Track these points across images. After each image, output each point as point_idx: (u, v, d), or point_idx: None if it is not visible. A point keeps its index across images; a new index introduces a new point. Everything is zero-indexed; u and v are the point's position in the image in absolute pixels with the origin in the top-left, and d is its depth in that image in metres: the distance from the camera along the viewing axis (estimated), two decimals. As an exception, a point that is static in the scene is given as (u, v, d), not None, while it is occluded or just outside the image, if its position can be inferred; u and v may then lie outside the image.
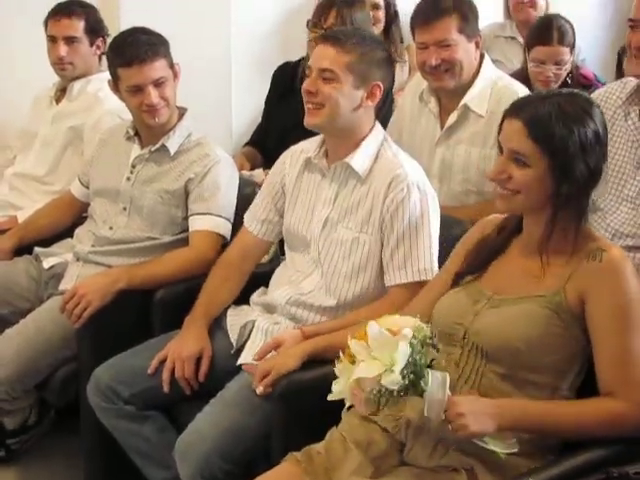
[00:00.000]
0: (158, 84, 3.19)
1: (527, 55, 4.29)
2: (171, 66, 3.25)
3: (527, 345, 2.20)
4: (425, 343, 2.08)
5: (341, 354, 2.14)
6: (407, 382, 2.03)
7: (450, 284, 2.45)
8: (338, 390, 2.13)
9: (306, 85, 2.77)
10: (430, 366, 2.10)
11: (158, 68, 3.20)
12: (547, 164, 2.21)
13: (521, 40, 5.18)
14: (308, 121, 2.79)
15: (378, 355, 2.05)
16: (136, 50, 3.21)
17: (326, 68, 2.73)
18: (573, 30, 4.25)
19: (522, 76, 4.30)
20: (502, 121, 2.31)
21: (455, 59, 3.29)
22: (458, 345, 2.32)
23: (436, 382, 2.07)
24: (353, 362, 2.09)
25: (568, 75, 4.24)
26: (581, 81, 4.26)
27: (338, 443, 2.34)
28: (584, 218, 2.28)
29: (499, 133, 2.32)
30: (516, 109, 2.28)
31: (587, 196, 2.27)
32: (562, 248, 2.27)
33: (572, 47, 4.23)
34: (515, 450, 2.14)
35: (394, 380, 2.02)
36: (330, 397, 2.14)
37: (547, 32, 4.19)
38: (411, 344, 2.05)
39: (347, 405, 2.14)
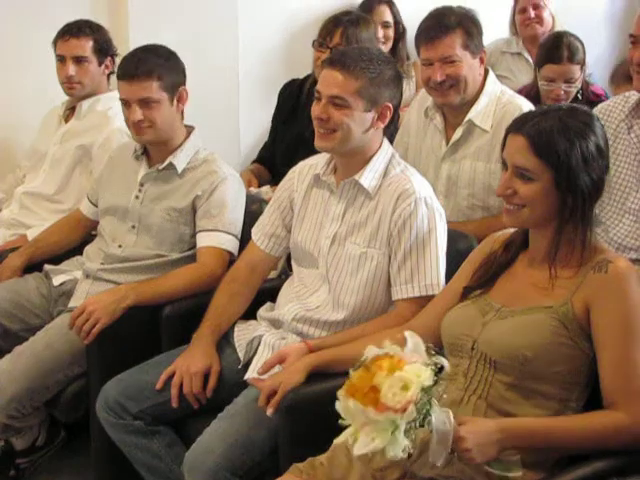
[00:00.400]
0: (144, 103, 3.21)
1: (537, 73, 4.29)
2: (168, 89, 3.24)
3: (534, 354, 2.22)
4: (432, 394, 2.06)
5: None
6: (411, 452, 2.04)
7: (458, 298, 2.47)
8: (344, 435, 2.09)
9: (317, 112, 2.77)
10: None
11: (145, 88, 3.20)
12: (551, 178, 2.25)
13: (527, 56, 5.19)
14: (320, 145, 2.81)
15: (382, 425, 2.01)
16: (129, 65, 3.26)
17: (336, 95, 2.74)
18: (583, 47, 4.24)
19: (532, 92, 4.32)
20: (505, 137, 2.34)
21: (460, 75, 3.30)
22: (466, 356, 2.34)
23: (442, 421, 2.06)
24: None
25: (578, 92, 4.23)
26: (591, 98, 4.24)
27: (341, 454, 2.35)
28: (590, 230, 2.30)
29: (502, 149, 2.35)
30: (518, 125, 2.32)
31: (591, 208, 2.30)
32: (569, 260, 2.30)
33: (582, 64, 4.22)
34: (519, 474, 2.15)
35: (399, 452, 2.00)
36: (336, 441, 2.11)
37: (557, 50, 4.18)
38: (419, 411, 2.02)
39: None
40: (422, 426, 2.03)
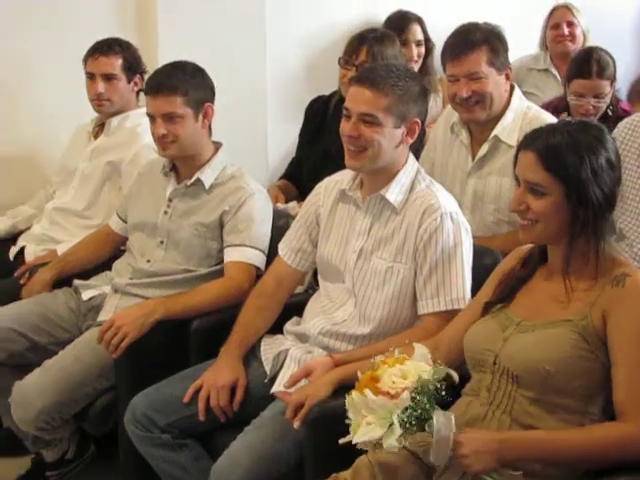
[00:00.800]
0: (168, 118, 3.24)
1: (567, 88, 4.29)
2: (193, 105, 3.27)
3: (556, 368, 2.23)
4: (431, 392, 2.11)
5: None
6: (406, 444, 2.10)
7: (481, 313, 2.48)
8: (348, 437, 2.18)
9: (347, 130, 2.79)
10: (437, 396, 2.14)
11: (169, 103, 3.24)
12: (562, 192, 2.28)
13: (555, 72, 5.19)
14: (350, 164, 2.83)
15: (379, 414, 2.10)
16: (154, 81, 3.32)
17: (366, 112, 2.75)
18: (614, 63, 4.24)
19: (560, 106, 4.32)
20: (517, 154, 2.37)
21: (485, 91, 3.32)
22: (489, 371, 2.35)
23: (442, 423, 2.09)
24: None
25: (608, 107, 4.23)
26: (621, 114, 4.23)
27: (365, 469, 2.35)
28: (603, 241, 2.31)
29: (515, 166, 2.37)
30: (528, 141, 2.36)
31: (604, 220, 2.32)
32: (585, 273, 2.32)
33: (612, 80, 4.21)
34: None
35: (392, 445, 2.07)
36: (341, 441, 2.21)
37: (586, 65, 4.18)
38: (414, 399, 2.09)
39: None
40: (423, 429, 2.08)
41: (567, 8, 5.23)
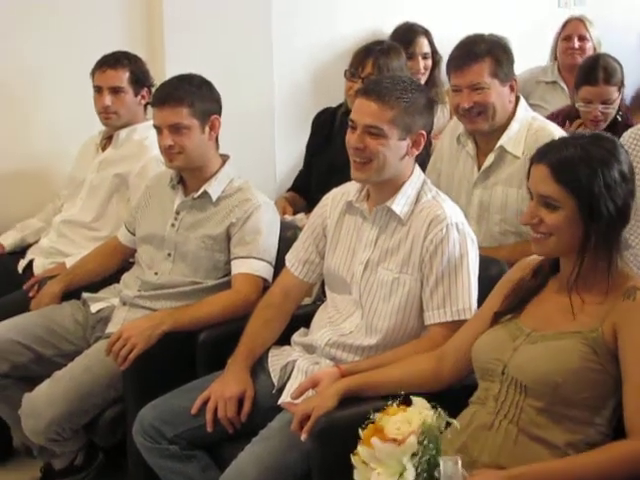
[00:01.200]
0: (174, 130, 3.26)
1: (575, 95, 4.30)
2: (199, 116, 3.29)
3: (565, 379, 2.23)
4: (435, 437, 2.10)
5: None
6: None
7: (489, 323, 2.48)
8: None
9: (353, 142, 2.80)
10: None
11: (176, 114, 3.26)
12: (575, 206, 2.27)
13: (562, 84, 5.20)
14: (356, 176, 2.84)
15: (389, 464, 2.10)
16: (161, 92, 3.35)
17: (371, 124, 2.77)
18: (622, 69, 4.25)
19: (572, 114, 4.33)
20: (530, 167, 2.36)
21: (488, 102, 3.32)
22: (497, 380, 2.35)
23: (450, 468, 2.06)
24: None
25: (618, 114, 4.23)
26: (631, 121, 4.25)
27: None
28: (617, 256, 2.31)
29: (527, 179, 2.37)
30: (541, 154, 2.36)
31: (618, 234, 2.31)
32: (596, 287, 2.31)
33: (620, 86, 4.22)
34: None
35: None
36: None
37: (593, 72, 4.19)
38: (415, 455, 2.08)
39: None
40: (432, 477, 2.07)
41: (580, 21, 5.24)
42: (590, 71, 4.22)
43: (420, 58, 4.89)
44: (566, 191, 2.27)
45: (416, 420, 2.12)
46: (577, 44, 5.16)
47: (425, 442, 2.08)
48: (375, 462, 2.12)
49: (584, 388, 2.24)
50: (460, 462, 2.07)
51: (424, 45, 4.98)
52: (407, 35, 4.95)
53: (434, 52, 5.01)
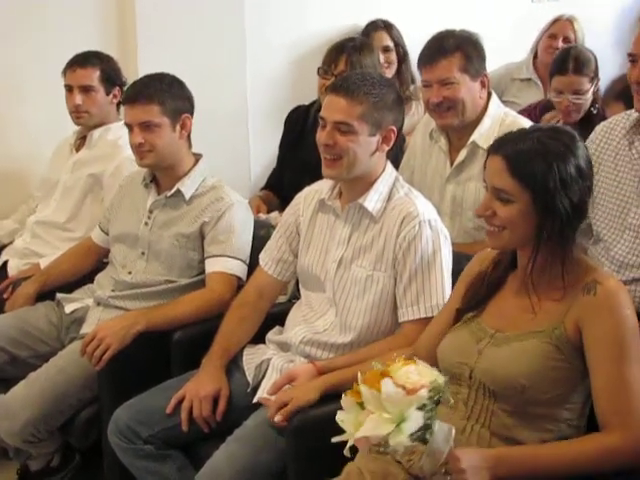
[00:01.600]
0: (145, 127, 3.27)
1: (549, 86, 4.31)
2: (170, 115, 3.30)
3: (531, 381, 2.22)
4: (438, 401, 2.06)
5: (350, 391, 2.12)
6: (414, 442, 2.02)
7: (452, 320, 2.48)
8: (345, 434, 2.09)
9: (323, 138, 2.80)
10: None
11: (146, 112, 3.27)
12: (529, 200, 2.24)
13: (538, 82, 5.20)
14: (327, 173, 2.84)
15: (390, 410, 2.01)
16: (132, 90, 3.36)
17: (341, 121, 2.77)
18: (596, 60, 4.25)
19: (546, 106, 4.34)
20: (486, 158, 2.35)
21: (457, 97, 3.34)
22: (465, 384, 2.34)
23: (442, 435, 2.05)
24: (361, 403, 2.06)
25: (593, 106, 4.24)
26: (605, 113, 4.24)
27: (355, 477, 2.35)
28: (571, 251, 2.28)
29: (484, 171, 2.35)
30: (498, 146, 2.32)
31: (573, 230, 2.28)
32: (553, 282, 2.29)
33: (593, 77, 4.22)
34: None
35: (402, 442, 2.00)
36: (335, 439, 2.11)
37: (564, 62, 4.20)
38: (425, 406, 2.02)
39: (349, 445, 2.09)
40: (424, 440, 2.02)
41: (569, 22, 5.22)
42: (561, 61, 4.24)
43: (380, 51, 4.86)
44: (520, 185, 2.23)
45: (428, 375, 2.06)
46: (560, 44, 5.14)
47: (435, 398, 2.03)
48: (374, 406, 2.03)
49: (551, 386, 2.23)
50: (453, 432, 2.06)
51: (383, 39, 5.00)
52: (366, 29, 5.00)
53: (398, 46, 5.02)
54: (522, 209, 2.25)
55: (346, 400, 2.11)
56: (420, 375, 2.07)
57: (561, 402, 2.25)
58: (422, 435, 2.01)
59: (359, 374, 2.13)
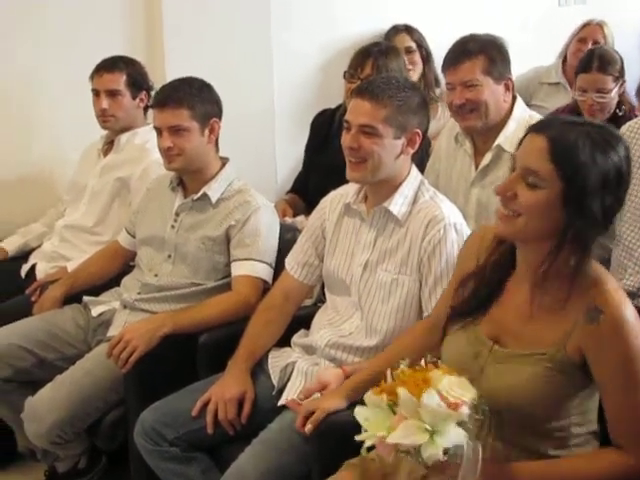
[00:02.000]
0: (174, 131, 3.29)
1: (575, 87, 4.32)
2: (199, 119, 3.31)
3: (535, 405, 2.16)
4: (478, 420, 2.04)
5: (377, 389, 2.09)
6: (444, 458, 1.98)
7: (450, 319, 2.36)
8: (368, 434, 2.05)
9: (348, 141, 2.81)
10: None
11: (176, 116, 3.28)
12: (560, 190, 2.07)
13: (567, 86, 5.17)
14: (351, 176, 2.85)
15: (427, 421, 1.97)
16: (161, 95, 3.37)
17: (365, 124, 2.78)
18: (621, 61, 4.25)
19: (574, 110, 4.33)
20: (523, 137, 2.17)
21: (480, 99, 3.33)
22: None
23: (471, 453, 2.02)
24: (392, 403, 2.03)
25: (620, 107, 4.23)
26: (633, 116, 4.19)
27: (369, 461, 2.34)
28: (586, 260, 2.13)
29: (517, 148, 2.18)
30: (542, 126, 2.16)
31: (595, 239, 2.13)
32: (555, 289, 2.15)
33: (618, 77, 4.21)
34: None
35: (434, 456, 1.96)
36: (358, 438, 2.07)
37: (588, 61, 4.23)
38: (464, 423, 1.99)
39: (367, 446, 2.06)
40: (456, 457, 2.00)
41: (599, 26, 5.22)
42: (586, 60, 4.26)
43: (403, 53, 4.86)
44: (557, 172, 2.06)
45: (469, 392, 2.02)
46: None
47: (477, 417, 2.00)
48: (409, 412, 1.97)
49: (556, 405, 2.18)
50: (481, 450, 2.02)
51: (405, 40, 5.01)
52: (388, 33, 5.02)
53: (421, 47, 5.03)
54: (548, 198, 2.07)
55: (372, 398, 2.07)
56: (463, 389, 2.03)
57: (568, 413, 2.21)
58: (455, 452, 1.99)
59: (388, 372, 2.10)
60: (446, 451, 1.98)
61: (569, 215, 2.08)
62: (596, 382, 2.16)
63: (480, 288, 2.29)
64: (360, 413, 2.07)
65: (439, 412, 1.97)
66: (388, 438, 1.98)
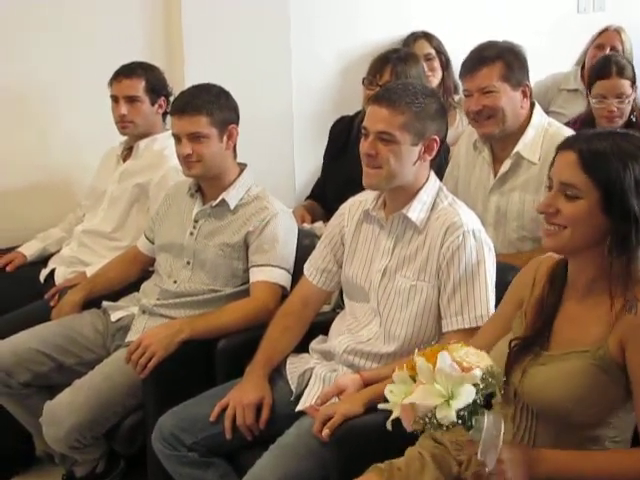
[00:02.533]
0: (193, 138, 3.30)
1: (589, 96, 4.29)
2: (218, 125, 3.32)
3: (576, 404, 2.17)
4: (491, 385, 2.05)
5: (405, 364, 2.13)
6: (459, 420, 2.01)
7: (504, 324, 2.40)
8: (391, 403, 2.10)
9: (365, 148, 2.81)
10: (488, 404, 2.07)
11: (194, 123, 3.29)
12: (598, 198, 2.15)
13: (585, 92, 5.16)
14: (368, 182, 2.85)
15: (441, 384, 2.02)
16: (180, 101, 3.38)
17: (383, 131, 2.77)
18: (632, 67, 4.25)
19: (587, 120, 4.32)
20: (554, 157, 2.25)
21: (497, 106, 3.33)
22: (511, 403, 2.29)
23: (493, 424, 2.03)
24: (413, 376, 2.08)
25: (632, 113, 4.22)
26: None
27: (416, 460, 2.37)
28: (635, 262, 2.18)
29: (550, 169, 2.26)
30: (570, 142, 2.25)
31: (638, 239, 2.17)
32: (605, 292, 2.20)
33: (633, 82, 4.21)
34: None
35: (448, 416, 1.99)
36: (381, 406, 2.14)
37: (606, 66, 4.21)
38: (477, 386, 2.02)
39: (393, 417, 2.09)
40: (470, 423, 2.02)
41: (617, 32, 5.20)
42: (603, 66, 4.24)
43: (422, 60, 4.85)
44: (592, 181, 2.15)
45: (485, 360, 2.06)
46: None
47: (489, 380, 2.02)
48: (426, 378, 2.03)
49: (596, 408, 2.19)
50: (503, 422, 2.05)
51: (424, 47, 5.01)
52: (406, 40, 5.02)
53: (440, 53, 5.03)
54: (589, 207, 2.15)
55: (398, 374, 2.12)
56: (479, 358, 2.07)
57: (606, 422, 2.21)
58: (469, 415, 2.01)
59: (416, 352, 2.12)
60: (464, 421, 2.01)
61: (611, 220, 2.16)
62: (631, 381, 2.15)
63: (541, 317, 2.33)
64: (387, 389, 2.12)
65: (451, 374, 2.01)
66: (404, 400, 2.04)
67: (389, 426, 2.11)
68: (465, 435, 2.10)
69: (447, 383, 2.01)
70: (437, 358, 2.03)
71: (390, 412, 2.10)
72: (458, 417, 2.00)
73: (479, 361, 2.06)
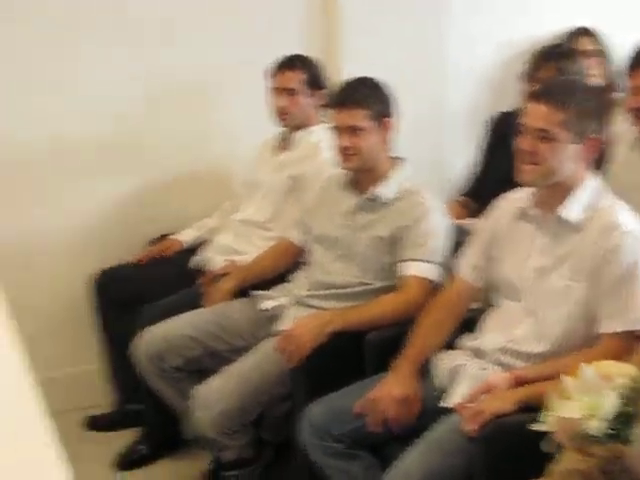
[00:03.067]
0: (351, 131, 3.31)
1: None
2: (375, 119, 3.33)
3: None
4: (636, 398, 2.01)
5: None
6: (610, 431, 1.97)
7: None
8: (543, 425, 2.10)
9: (523, 144, 2.78)
10: None
11: (353, 116, 3.31)
12: None
13: None
14: (522, 178, 2.82)
15: (584, 398, 2.01)
16: (339, 94, 3.40)
17: (542, 128, 2.73)
18: None
19: None
20: None
21: None
22: None
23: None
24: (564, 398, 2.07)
25: None
26: None
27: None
28: None
29: None
30: None
31: None
32: None
33: None
34: None
35: (595, 427, 1.97)
36: (533, 427, 2.13)
37: None
38: (621, 394, 1.98)
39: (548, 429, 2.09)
40: (626, 428, 1.97)
41: None
42: None
43: (583, 57, 4.73)
44: None
45: (630, 371, 2.05)
46: None
47: (628, 394, 2.00)
48: (578, 391, 2.04)
49: None
50: None
51: (585, 43, 4.86)
52: (569, 36, 4.88)
53: (602, 51, 4.90)
54: None
55: (551, 400, 2.10)
56: (621, 369, 2.06)
57: None
58: (621, 426, 1.97)
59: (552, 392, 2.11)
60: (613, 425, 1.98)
61: None
62: None
63: None
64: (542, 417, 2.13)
65: (593, 384, 2.01)
66: (555, 413, 2.04)
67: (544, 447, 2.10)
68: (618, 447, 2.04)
69: (589, 395, 2.01)
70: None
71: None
72: (608, 427, 1.97)
73: (621, 370, 2.05)
